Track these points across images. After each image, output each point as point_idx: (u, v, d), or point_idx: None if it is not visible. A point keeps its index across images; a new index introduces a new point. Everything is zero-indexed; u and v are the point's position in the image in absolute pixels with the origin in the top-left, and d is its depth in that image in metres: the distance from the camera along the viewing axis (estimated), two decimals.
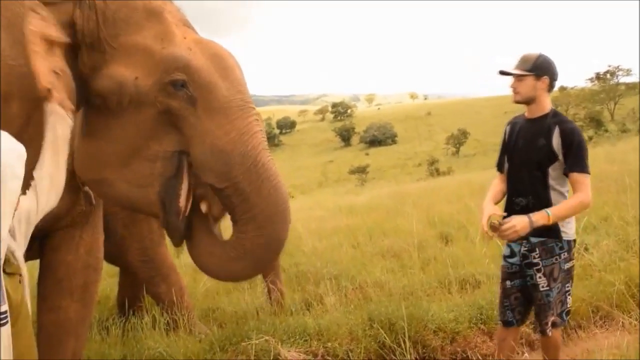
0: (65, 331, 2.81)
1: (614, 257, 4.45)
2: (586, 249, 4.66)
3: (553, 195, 2.71)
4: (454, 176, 27.91)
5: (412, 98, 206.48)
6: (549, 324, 2.75)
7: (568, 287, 2.81)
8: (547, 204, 2.69)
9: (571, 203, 2.67)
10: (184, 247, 2.46)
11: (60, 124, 2.04)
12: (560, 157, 2.67)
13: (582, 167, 2.66)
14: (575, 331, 3.63)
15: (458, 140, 68.48)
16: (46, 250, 2.82)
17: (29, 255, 2.30)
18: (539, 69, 2.73)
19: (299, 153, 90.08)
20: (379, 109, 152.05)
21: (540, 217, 2.62)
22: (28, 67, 1.99)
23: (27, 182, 1.86)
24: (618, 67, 64.72)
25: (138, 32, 2.21)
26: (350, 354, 3.33)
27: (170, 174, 2.25)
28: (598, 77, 64.15)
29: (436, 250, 5.68)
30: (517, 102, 2.82)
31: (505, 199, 2.91)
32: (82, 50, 2.22)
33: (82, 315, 2.90)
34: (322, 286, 4.46)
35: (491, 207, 2.80)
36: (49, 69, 2.04)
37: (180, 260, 4.47)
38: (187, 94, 2.19)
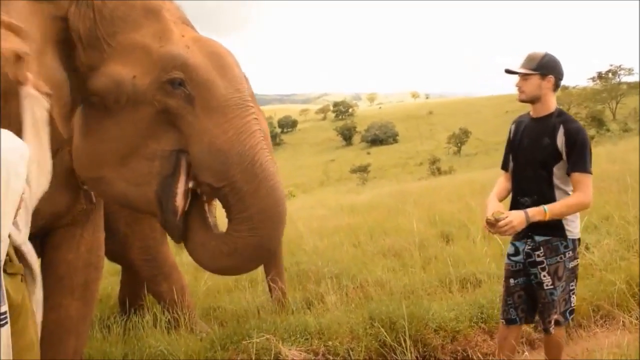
0: (66, 329, 2.81)
1: (614, 256, 4.44)
2: (587, 248, 4.65)
3: (558, 195, 2.71)
4: (455, 175, 27.90)
5: (414, 97, 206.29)
6: (553, 322, 2.75)
7: (572, 286, 2.81)
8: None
9: (569, 202, 2.67)
10: None
11: (37, 106, 2.01)
12: (564, 156, 2.68)
13: (584, 167, 2.65)
14: (576, 330, 3.63)
15: (459, 139, 68.44)
16: (47, 249, 2.82)
17: None
18: (545, 68, 2.72)
19: (300, 152, 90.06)
20: (380, 108, 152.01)
21: (536, 213, 2.63)
22: None
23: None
24: (620, 66, 64.57)
25: (136, 30, 2.20)
26: (351, 352, 3.33)
27: (167, 173, 2.25)
28: (600, 76, 64.00)
29: (437, 249, 5.67)
30: (522, 101, 2.82)
31: (510, 197, 2.91)
32: (77, 49, 2.21)
33: (83, 314, 2.90)
34: (323, 285, 4.46)
35: (495, 204, 2.80)
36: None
37: (181, 259, 4.47)
38: (185, 93, 2.19)
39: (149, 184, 2.28)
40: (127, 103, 2.20)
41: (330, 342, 3.37)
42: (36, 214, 2.42)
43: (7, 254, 1.82)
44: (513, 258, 2.87)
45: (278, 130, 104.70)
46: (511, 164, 2.92)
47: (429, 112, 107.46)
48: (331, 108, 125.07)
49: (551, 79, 2.73)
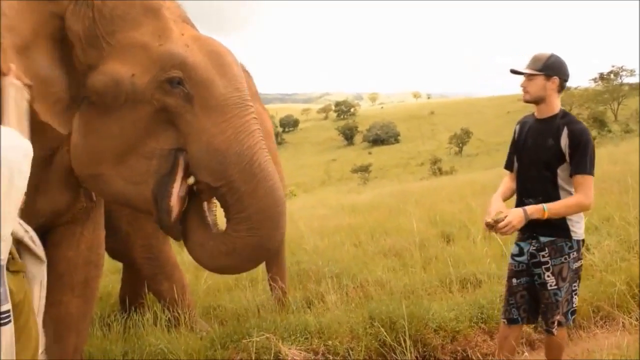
0: (66, 327, 2.81)
1: (615, 257, 4.44)
2: (588, 249, 4.65)
3: (563, 196, 2.70)
4: (456, 176, 27.90)
5: (415, 97, 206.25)
6: (556, 323, 2.75)
7: (575, 286, 2.81)
8: None
9: (568, 202, 2.67)
10: None
11: (19, 94, 2.02)
12: (567, 157, 2.67)
13: (585, 169, 2.65)
14: (576, 331, 3.63)
15: (461, 139, 68.40)
16: (47, 246, 2.81)
17: None
18: (550, 69, 2.71)
19: (302, 151, 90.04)
20: (382, 108, 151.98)
21: (535, 211, 2.63)
22: None
23: None
24: (622, 67, 64.41)
25: (135, 28, 2.20)
26: (350, 352, 3.33)
27: (165, 172, 2.25)
28: (602, 77, 63.87)
29: (437, 249, 5.67)
30: (527, 101, 2.81)
31: (515, 198, 2.91)
32: (76, 47, 2.21)
33: (83, 311, 2.90)
34: (324, 284, 4.46)
35: (498, 204, 2.80)
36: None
37: (182, 258, 4.48)
38: (184, 92, 2.18)
39: (146, 183, 2.27)
40: (125, 101, 2.19)
41: (330, 342, 3.37)
42: (36, 212, 2.43)
43: (10, 252, 1.83)
44: (517, 258, 2.87)
45: (279, 129, 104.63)
46: (516, 165, 2.93)
47: (430, 112, 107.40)
48: (333, 108, 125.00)
49: (556, 80, 2.72)
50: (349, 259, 5.62)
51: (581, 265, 2.81)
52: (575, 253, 2.73)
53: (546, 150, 2.72)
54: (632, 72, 64.24)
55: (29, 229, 2.05)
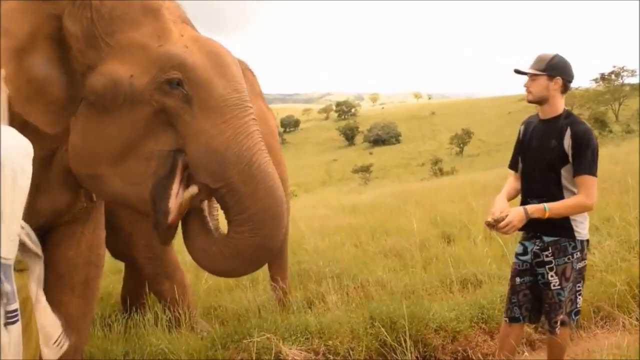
0: (66, 327, 2.81)
1: (615, 257, 4.45)
2: (588, 250, 4.65)
3: (567, 196, 2.71)
4: (457, 176, 27.86)
5: (416, 98, 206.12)
6: (559, 322, 2.75)
7: (579, 286, 2.82)
8: None
9: (569, 202, 2.68)
10: None
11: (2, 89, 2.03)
12: (570, 158, 2.67)
13: (588, 169, 2.65)
14: (576, 331, 3.63)
15: (462, 140, 68.32)
16: (48, 246, 2.82)
17: None
18: (553, 69, 2.72)
19: (302, 152, 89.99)
20: (383, 108, 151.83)
21: (536, 210, 2.64)
22: None
23: None
24: (623, 67, 64.30)
25: (134, 29, 2.19)
26: (351, 352, 3.34)
27: (164, 173, 2.24)
28: (603, 77, 63.76)
29: (438, 249, 5.67)
30: (530, 101, 2.82)
31: (520, 198, 2.92)
32: (74, 48, 2.21)
33: (84, 311, 2.90)
34: (324, 284, 4.46)
35: (502, 204, 2.80)
36: None
37: (183, 257, 4.49)
38: (183, 93, 2.17)
39: (145, 184, 2.26)
40: (124, 102, 2.18)
41: (330, 342, 3.37)
42: (37, 211, 2.43)
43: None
44: (521, 257, 2.88)
45: (280, 129, 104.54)
46: (520, 165, 2.93)
47: (431, 113, 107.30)
48: (334, 108, 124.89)
49: (559, 80, 2.72)
50: (349, 259, 5.62)
51: (585, 265, 2.82)
52: (578, 253, 2.74)
53: (549, 151, 2.73)
54: (633, 73, 64.14)
55: (25, 224, 2.05)
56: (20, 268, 1.90)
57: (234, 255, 2.28)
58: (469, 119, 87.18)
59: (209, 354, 3.33)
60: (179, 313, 3.74)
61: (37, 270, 2.12)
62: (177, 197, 2.26)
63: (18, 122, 2.08)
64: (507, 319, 2.91)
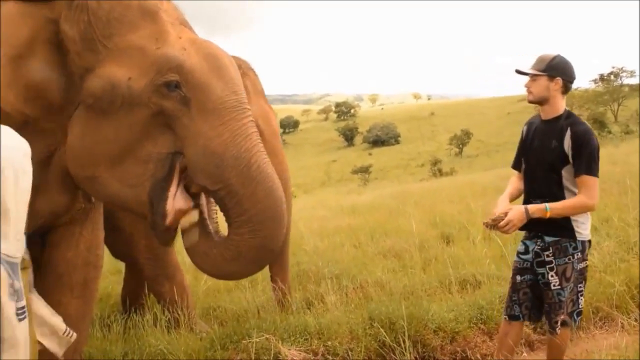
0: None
1: (614, 258, 4.45)
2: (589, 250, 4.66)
3: (568, 197, 2.72)
4: (456, 177, 27.86)
5: (416, 98, 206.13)
6: (559, 322, 2.76)
7: (580, 287, 2.82)
8: None
9: (571, 202, 2.68)
10: None
11: None
12: (571, 159, 2.68)
13: (588, 170, 2.65)
14: (575, 331, 3.63)
15: (461, 140, 68.27)
16: (46, 247, 2.82)
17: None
18: (553, 69, 2.72)
19: (302, 152, 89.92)
20: (382, 109, 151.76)
21: (536, 210, 2.64)
22: None
23: None
24: (622, 68, 64.26)
25: (132, 31, 2.18)
26: (350, 352, 3.34)
27: (162, 176, 2.23)
28: (602, 78, 63.73)
29: (437, 250, 5.67)
30: (530, 101, 2.82)
31: (523, 198, 2.92)
32: (71, 51, 2.21)
33: (83, 312, 2.90)
34: (323, 285, 4.46)
35: (505, 204, 2.81)
36: None
37: (182, 258, 4.49)
38: (181, 95, 2.17)
39: (142, 186, 2.26)
40: (122, 105, 2.17)
41: (329, 342, 3.38)
42: (35, 212, 2.43)
43: None
44: (522, 256, 2.89)
45: (280, 130, 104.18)
46: (523, 165, 2.94)
47: (430, 114, 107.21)
48: (333, 109, 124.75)
49: (559, 81, 2.73)
50: (348, 260, 5.62)
51: (586, 266, 2.83)
52: (579, 254, 2.74)
53: (550, 151, 2.73)
54: (632, 73, 64.12)
55: None
56: (24, 267, 1.90)
57: (235, 258, 2.28)
58: (468, 119, 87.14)
59: (208, 354, 3.33)
60: (178, 314, 3.75)
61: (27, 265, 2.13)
62: (175, 199, 2.26)
63: (15, 123, 2.08)
64: (506, 316, 2.92)
